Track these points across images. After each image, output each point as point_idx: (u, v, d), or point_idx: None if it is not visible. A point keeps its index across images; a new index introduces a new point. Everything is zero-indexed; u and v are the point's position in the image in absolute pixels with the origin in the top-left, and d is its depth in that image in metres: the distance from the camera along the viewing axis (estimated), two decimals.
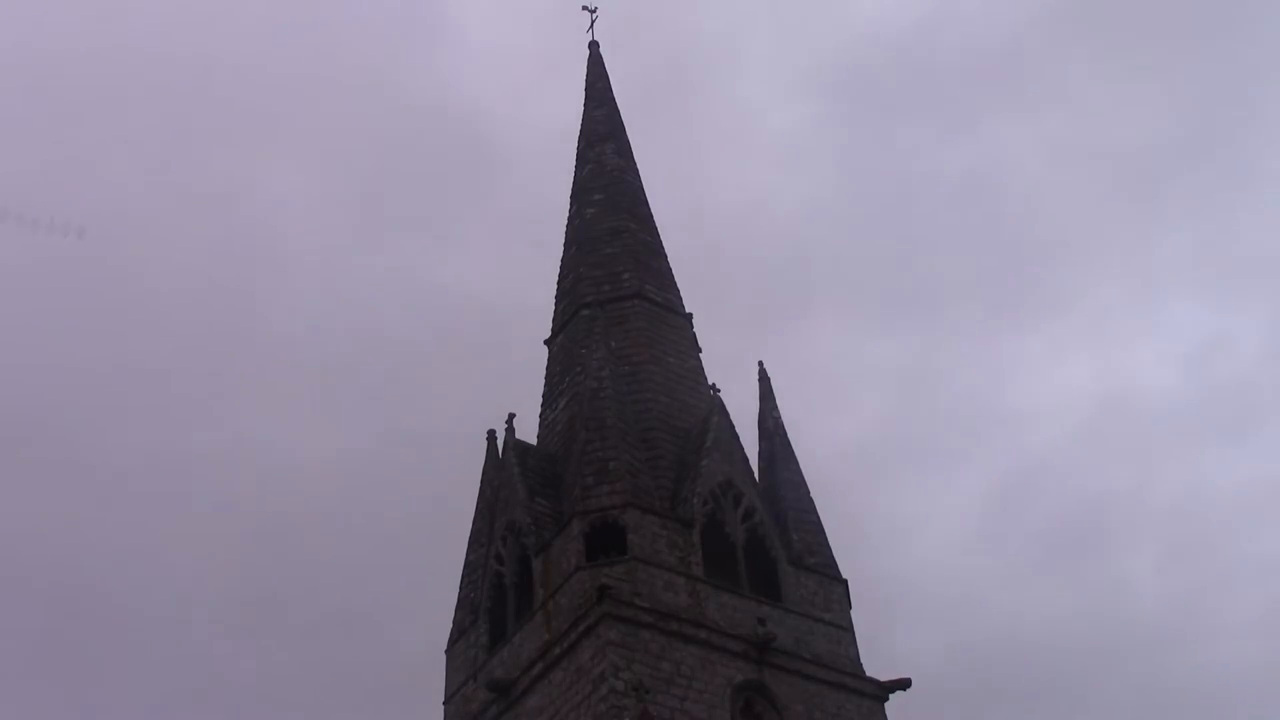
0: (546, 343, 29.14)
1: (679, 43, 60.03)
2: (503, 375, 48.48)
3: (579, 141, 32.99)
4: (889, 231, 60.92)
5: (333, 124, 66.57)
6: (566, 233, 31.11)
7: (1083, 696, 45.83)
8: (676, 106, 59.90)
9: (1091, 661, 46.70)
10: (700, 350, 28.52)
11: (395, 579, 50.25)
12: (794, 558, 24.41)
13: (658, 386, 26.57)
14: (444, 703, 24.80)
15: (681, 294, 29.63)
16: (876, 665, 23.81)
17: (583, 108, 33.80)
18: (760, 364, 28.01)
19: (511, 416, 26.26)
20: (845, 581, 24.84)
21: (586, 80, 34.42)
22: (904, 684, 23.54)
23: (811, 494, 25.95)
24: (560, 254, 30.80)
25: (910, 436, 56.86)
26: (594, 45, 35.06)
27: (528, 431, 26.97)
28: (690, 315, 29.16)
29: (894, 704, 23.35)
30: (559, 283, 30.22)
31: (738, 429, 25.60)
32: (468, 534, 26.38)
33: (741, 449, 25.45)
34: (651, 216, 31.36)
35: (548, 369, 28.55)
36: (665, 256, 30.49)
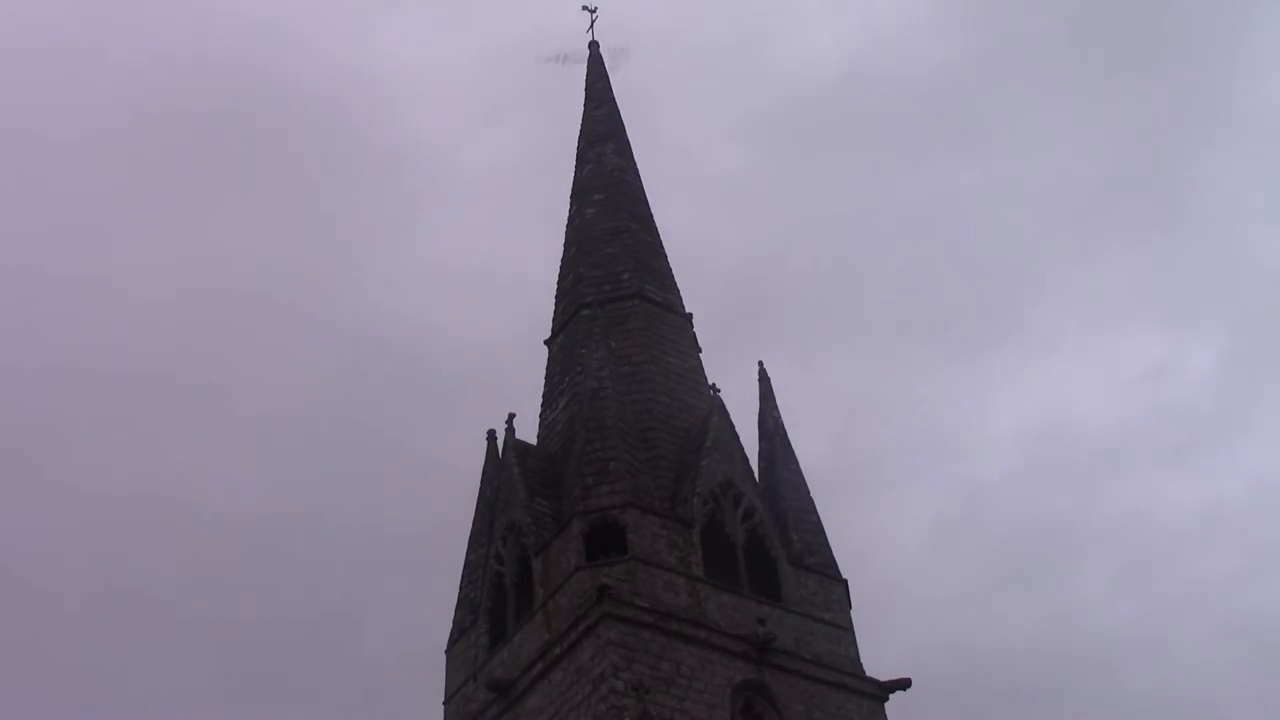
0: (546, 343, 29.14)
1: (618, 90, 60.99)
2: (503, 375, 48.56)
3: (579, 141, 32.99)
4: (835, 266, 61.57)
5: None
6: (566, 233, 31.12)
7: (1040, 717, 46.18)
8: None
9: (1048, 682, 47.18)
10: (700, 350, 28.54)
11: (395, 578, 50.31)
12: (794, 558, 24.41)
13: (658, 386, 26.57)
14: (444, 703, 24.81)
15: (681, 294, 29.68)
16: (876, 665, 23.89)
17: (583, 108, 33.81)
18: (760, 364, 28.05)
19: (511, 416, 26.28)
20: (845, 581, 24.84)
21: (586, 80, 34.42)
22: (904, 684, 23.54)
23: (811, 494, 25.98)
24: (560, 254, 30.83)
25: (859, 465, 57.18)
26: (594, 45, 35.08)
27: (528, 431, 27.01)
28: (690, 315, 29.18)
29: (894, 704, 23.42)
30: (559, 283, 30.23)
31: (738, 429, 25.62)
32: (468, 534, 26.40)
33: (741, 449, 25.46)
34: (651, 216, 31.37)
35: (548, 369, 28.55)
36: (665, 256, 30.49)
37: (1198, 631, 52.20)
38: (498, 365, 46.76)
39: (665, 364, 27.29)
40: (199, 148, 61.44)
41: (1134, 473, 58.52)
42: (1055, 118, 63.66)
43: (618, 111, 33.66)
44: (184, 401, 57.96)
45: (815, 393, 54.18)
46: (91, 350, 56.27)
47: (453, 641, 25.35)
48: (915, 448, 57.65)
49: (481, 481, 26.48)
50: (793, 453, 26.53)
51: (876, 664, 23.75)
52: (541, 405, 28.09)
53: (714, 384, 26.59)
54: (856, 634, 24.25)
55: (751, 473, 25.38)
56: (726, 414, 25.57)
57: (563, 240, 31.02)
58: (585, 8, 35.20)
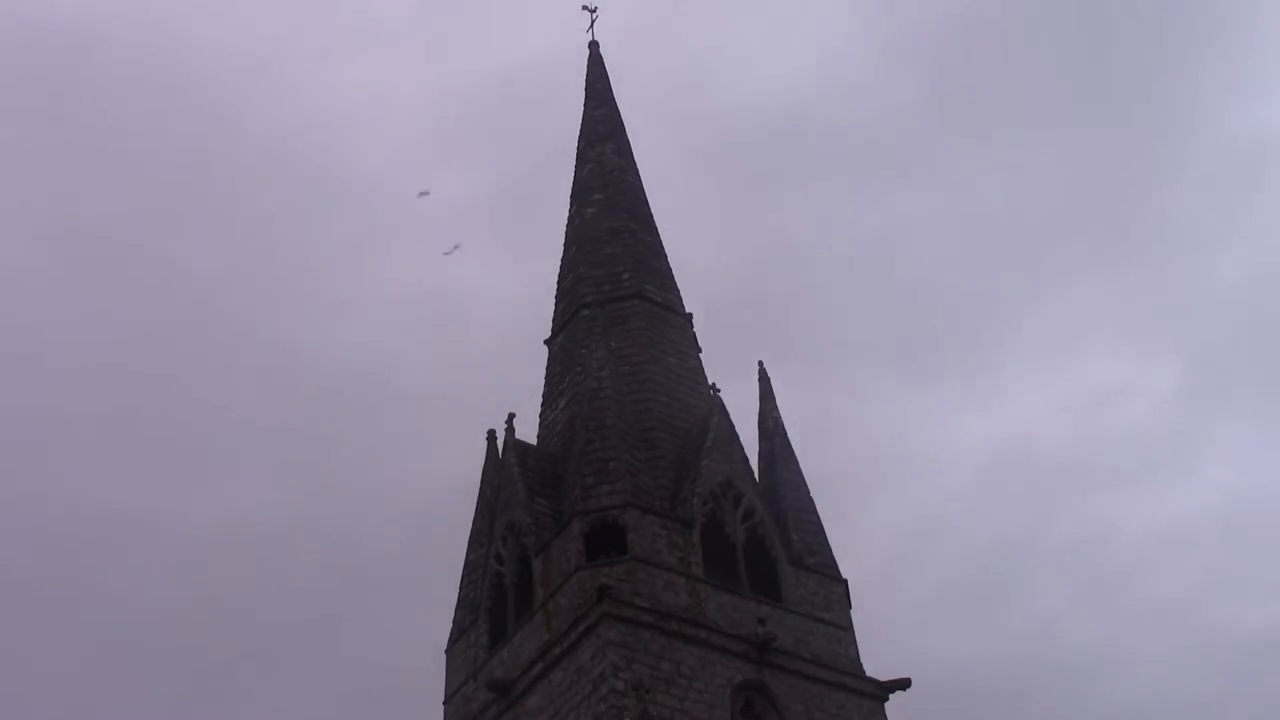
0: (546, 343, 29.14)
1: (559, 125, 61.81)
2: (503, 375, 48.63)
3: (579, 141, 32.98)
4: (788, 296, 61.85)
5: None
6: (566, 233, 31.11)
7: None
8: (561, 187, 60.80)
9: (1010, 700, 47.34)
10: (700, 350, 28.54)
11: (395, 578, 50.33)
12: (794, 558, 24.40)
13: (658, 386, 26.57)
14: (444, 703, 24.81)
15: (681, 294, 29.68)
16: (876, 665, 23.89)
17: (583, 107, 33.80)
18: (760, 364, 28.04)
19: (511, 416, 26.28)
20: (845, 581, 24.84)
21: (586, 80, 34.40)
22: (904, 684, 23.54)
23: (812, 494, 25.98)
24: (560, 254, 30.83)
25: (815, 487, 57.48)
26: (594, 45, 35.05)
27: (528, 431, 27.01)
28: (690, 315, 29.17)
29: (894, 704, 23.42)
30: (559, 283, 30.22)
31: (738, 429, 25.62)
32: (468, 534, 26.40)
33: (741, 449, 25.45)
34: (651, 216, 31.36)
35: (548, 369, 28.55)
36: (665, 256, 30.49)
37: (1161, 649, 53.01)
38: (498, 366, 46.90)
39: (665, 364, 27.29)
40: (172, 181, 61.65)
41: (1091, 494, 59.33)
42: (1001, 151, 64.83)
43: (618, 111, 33.65)
44: (181, 409, 58.23)
45: None
46: (86, 358, 56.55)
47: (453, 641, 25.34)
48: (871, 471, 57.86)
49: (481, 481, 26.47)
50: (793, 453, 26.52)
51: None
52: (541, 405, 28.08)
53: (714, 384, 26.60)
54: (855, 634, 24.26)
55: (751, 473, 25.37)
56: (726, 414, 25.57)
57: (563, 241, 31.03)
58: (585, 8, 35.22)
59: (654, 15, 64.54)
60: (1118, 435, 59.71)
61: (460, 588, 25.95)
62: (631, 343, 27.30)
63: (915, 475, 58.91)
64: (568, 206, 31.65)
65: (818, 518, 25.60)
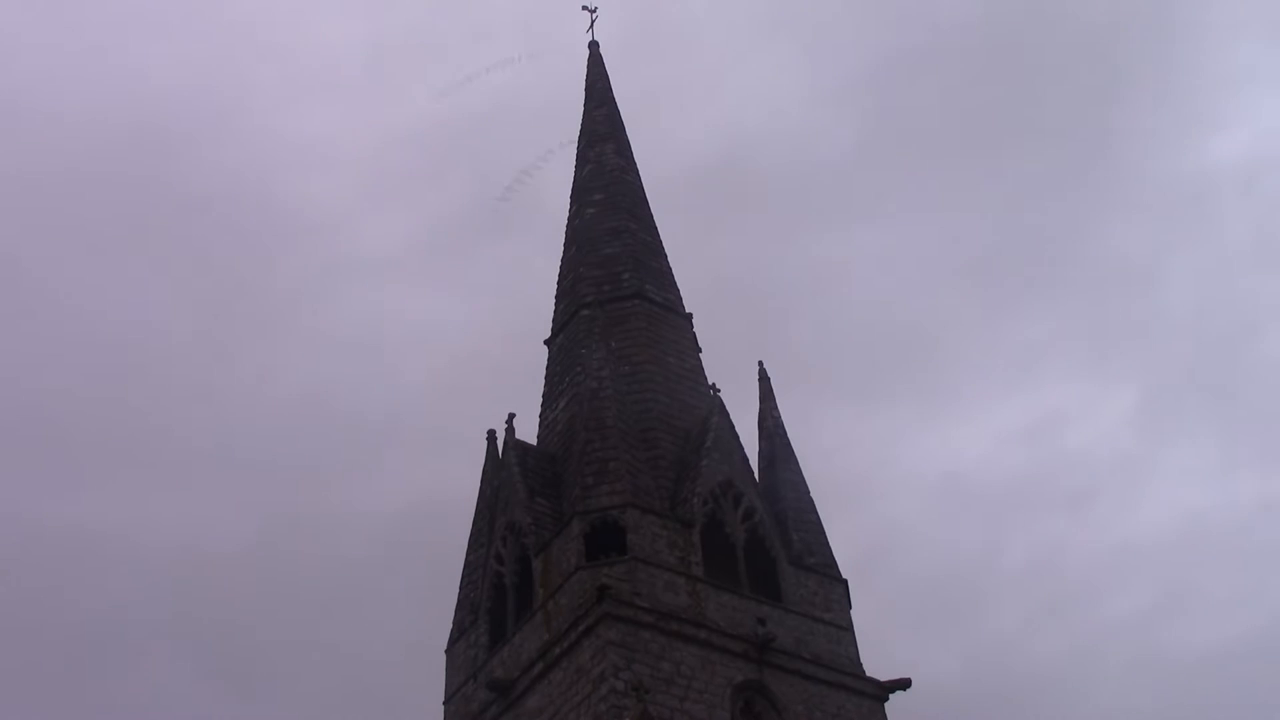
0: (546, 343, 29.13)
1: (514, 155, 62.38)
2: (503, 375, 48.78)
3: (579, 141, 32.97)
4: (739, 324, 62.27)
5: None
6: (566, 233, 31.11)
7: None
8: (518, 220, 61.52)
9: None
10: (700, 350, 28.53)
11: (395, 578, 50.38)
12: (794, 558, 24.40)
13: (658, 386, 26.56)
14: (444, 703, 24.80)
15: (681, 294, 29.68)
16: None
17: (583, 107, 33.80)
18: (760, 364, 28.04)
19: (511, 416, 26.27)
20: (845, 581, 24.83)
21: (586, 80, 34.40)
22: (904, 684, 23.53)
23: (811, 494, 25.98)
24: (560, 254, 30.83)
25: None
26: (594, 45, 35.06)
27: (528, 431, 27.00)
28: (690, 315, 29.17)
29: (894, 704, 23.42)
30: (559, 283, 30.22)
31: (738, 429, 25.61)
32: (467, 534, 26.40)
33: (741, 449, 25.45)
34: (651, 216, 31.36)
35: (548, 369, 28.54)
36: (665, 256, 30.48)
37: (1114, 668, 53.33)
38: (498, 366, 47.04)
39: (665, 364, 27.28)
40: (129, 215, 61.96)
41: (1045, 516, 60.05)
42: (946, 187, 65.57)
43: (618, 111, 33.65)
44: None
45: None
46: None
47: (453, 641, 25.34)
48: (824, 495, 58.34)
49: (481, 481, 26.47)
50: (793, 453, 26.51)
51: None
52: (541, 405, 28.07)
53: (714, 384, 26.59)
54: (855, 634, 24.26)
55: (751, 473, 25.36)
56: (726, 414, 25.56)
57: (563, 241, 31.06)
58: (585, 8, 35.25)
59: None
60: (1070, 459, 60.60)
61: (460, 588, 25.95)
62: (631, 343, 27.29)
63: (868, 499, 59.14)
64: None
65: (818, 518, 25.59)
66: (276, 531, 54.80)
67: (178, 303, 59.96)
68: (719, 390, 26.22)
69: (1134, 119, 63.81)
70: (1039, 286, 64.03)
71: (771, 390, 27.60)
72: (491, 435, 26.67)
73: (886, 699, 23.34)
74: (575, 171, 32.33)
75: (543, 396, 28.21)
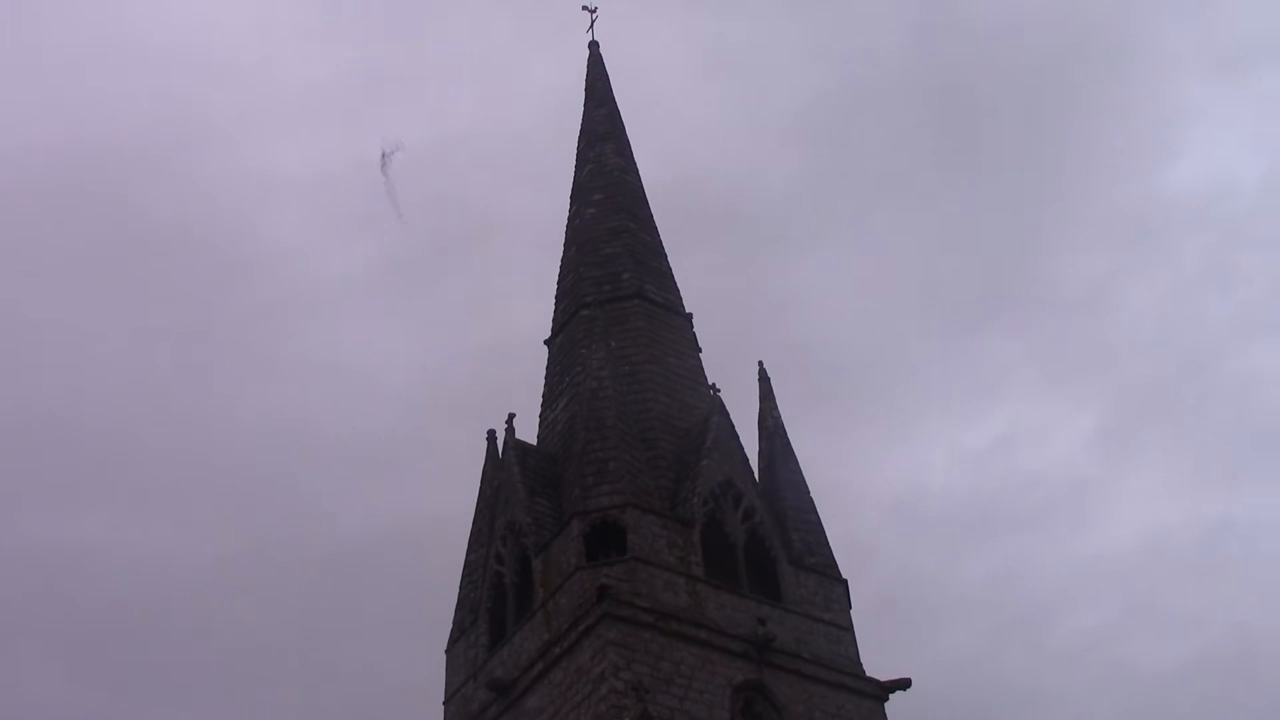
0: (546, 343, 29.13)
1: (468, 197, 62.80)
2: (502, 375, 48.80)
3: (579, 141, 32.97)
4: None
5: None
6: (566, 233, 31.12)
7: None
8: (477, 253, 62.45)
9: None
10: (700, 350, 28.54)
11: (395, 578, 50.39)
12: (794, 558, 24.40)
13: (658, 386, 26.57)
14: (444, 703, 24.80)
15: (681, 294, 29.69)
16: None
17: (583, 107, 33.81)
18: (760, 364, 28.03)
19: (511, 416, 26.26)
20: (845, 581, 24.83)
21: (586, 80, 34.40)
22: (904, 684, 23.53)
23: (811, 494, 25.98)
24: (560, 254, 30.83)
25: None
26: (594, 45, 35.05)
27: (528, 431, 27.00)
28: (690, 315, 29.17)
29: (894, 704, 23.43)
30: (559, 283, 30.22)
31: (738, 429, 25.61)
32: (468, 534, 26.41)
33: (741, 449, 25.44)
34: (651, 217, 31.36)
35: (548, 369, 28.54)
36: (665, 256, 30.48)
37: (1079, 684, 53.62)
38: (497, 366, 47.05)
39: (665, 364, 27.29)
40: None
41: (1002, 537, 60.15)
42: (892, 216, 65.89)
43: (618, 111, 33.65)
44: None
45: None
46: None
47: (453, 641, 25.34)
48: None
49: (481, 481, 26.48)
50: (793, 453, 26.50)
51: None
52: (541, 405, 28.08)
53: (714, 384, 26.59)
54: (855, 634, 24.26)
55: (751, 473, 25.36)
56: (726, 414, 25.56)
57: (563, 241, 31.08)
58: (585, 8, 35.23)
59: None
60: (1030, 479, 60.99)
61: (460, 588, 25.96)
62: (631, 343, 27.30)
63: (827, 520, 59.60)
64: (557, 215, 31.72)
65: (818, 518, 25.59)
66: (266, 542, 54.93)
67: (145, 328, 60.10)
68: (719, 390, 26.24)
69: (1083, 150, 64.75)
70: (996, 312, 65.09)
71: (771, 390, 27.60)
72: (491, 435, 26.68)
73: (886, 699, 23.34)
74: (575, 171, 32.33)
75: (543, 396, 28.21)
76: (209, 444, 59.23)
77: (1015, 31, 66.08)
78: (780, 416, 27.17)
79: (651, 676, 20.63)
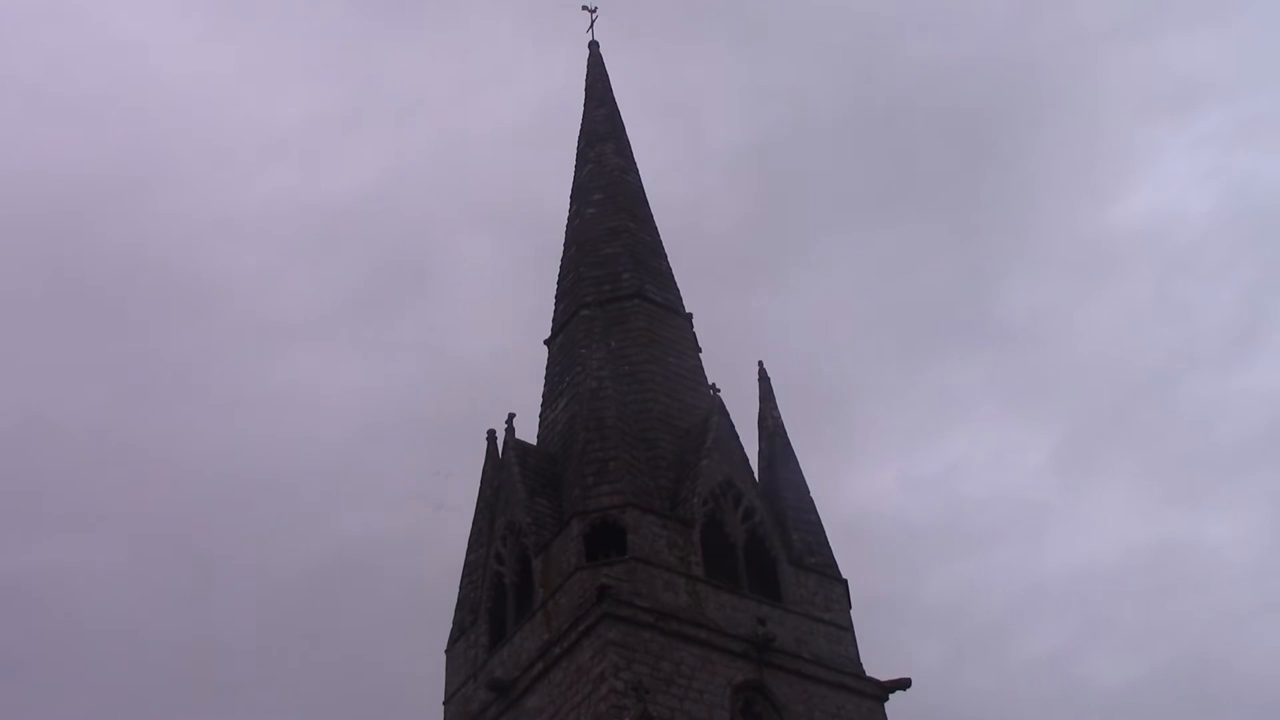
0: (546, 343, 29.12)
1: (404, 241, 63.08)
2: (502, 375, 48.83)
3: (579, 141, 32.96)
4: None
5: None
6: (566, 233, 31.11)
7: None
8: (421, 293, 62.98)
9: None
10: (700, 350, 28.54)
11: (395, 578, 50.41)
12: (794, 558, 24.39)
13: (658, 386, 26.57)
14: (444, 703, 24.81)
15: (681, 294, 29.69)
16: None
17: (583, 107, 33.81)
18: (760, 364, 28.03)
19: (511, 416, 26.26)
20: (845, 581, 24.82)
21: (586, 80, 34.40)
22: (904, 684, 23.53)
23: (811, 494, 25.98)
24: (560, 254, 30.82)
25: None
26: (594, 45, 35.06)
27: (528, 431, 26.99)
28: (690, 315, 29.17)
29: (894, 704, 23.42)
30: (559, 283, 30.21)
31: (738, 429, 25.61)
32: (468, 534, 26.41)
33: (741, 449, 25.44)
34: (651, 217, 31.35)
35: (548, 369, 28.53)
36: (665, 256, 30.48)
37: (1041, 701, 53.55)
38: (497, 366, 47.08)
39: (665, 364, 27.28)
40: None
41: (953, 560, 60.32)
42: (838, 249, 66.68)
43: (618, 111, 33.65)
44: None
45: None
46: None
47: (453, 641, 25.34)
48: None
49: (481, 481, 26.48)
50: (793, 452, 26.50)
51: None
52: (541, 405, 28.07)
53: (714, 384, 26.59)
54: (855, 634, 24.26)
55: (751, 473, 25.35)
56: (726, 414, 25.56)
57: (563, 240, 31.08)
58: (585, 8, 35.23)
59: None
60: (981, 504, 61.34)
61: (460, 588, 25.96)
62: (631, 343, 27.29)
63: None
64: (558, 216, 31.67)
65: (818, 518, 25.59)
66: (265, 544, 54.92)
67: (103, 361, 60.22)
68: (719, 390, 26.25)
69: (1036, 184, 65.74)
70: (949, 342, 65.75)
71: (771, 390, 27.60)
72: (491, 435, 26.67)
73: (886, 699, 23.34)
74: (575, 171, 32.33)
75: (543, 396, 28.21)
76: (208, 446, 59.31)
77: (965, 68, 66.96)
78: (780, 416, 27.17)
79: (651, 676, 20.63)
